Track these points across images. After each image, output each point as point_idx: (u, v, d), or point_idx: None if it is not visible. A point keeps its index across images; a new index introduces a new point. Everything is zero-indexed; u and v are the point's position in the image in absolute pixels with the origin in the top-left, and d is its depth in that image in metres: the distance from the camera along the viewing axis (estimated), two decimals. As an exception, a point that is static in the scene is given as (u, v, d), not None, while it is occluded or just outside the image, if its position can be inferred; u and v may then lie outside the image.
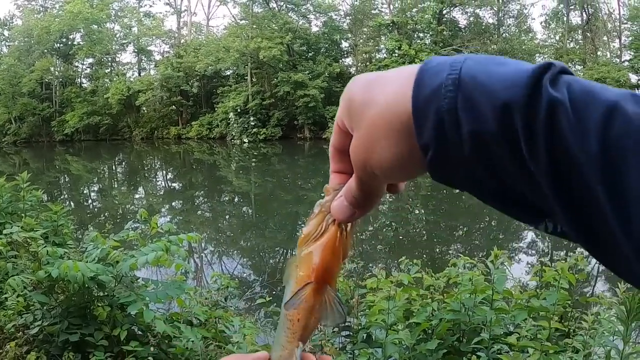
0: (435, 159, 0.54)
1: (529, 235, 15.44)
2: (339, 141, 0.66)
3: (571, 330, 4.28)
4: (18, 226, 5.65)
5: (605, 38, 44.99)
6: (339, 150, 0.68)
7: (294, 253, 0.74)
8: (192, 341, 4.22)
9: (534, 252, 13.28)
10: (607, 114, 0.47)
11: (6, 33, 59.97)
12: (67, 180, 33.56)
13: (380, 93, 0.58)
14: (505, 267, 4.16)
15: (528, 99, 0.49)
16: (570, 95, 0.49)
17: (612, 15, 44.71)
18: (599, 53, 44.57)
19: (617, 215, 0.46)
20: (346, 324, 4.44)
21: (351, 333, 4.27)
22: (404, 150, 0.57)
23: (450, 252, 13.46)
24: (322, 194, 0.72)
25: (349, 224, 0.71)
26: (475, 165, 0.53)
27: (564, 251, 12.84)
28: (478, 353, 3.61)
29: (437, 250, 14.14)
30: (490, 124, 0.50)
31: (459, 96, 0.52)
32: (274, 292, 5.92)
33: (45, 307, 4.61)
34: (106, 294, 4.49)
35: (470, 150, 0.52)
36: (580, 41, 45.84)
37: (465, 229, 16.33)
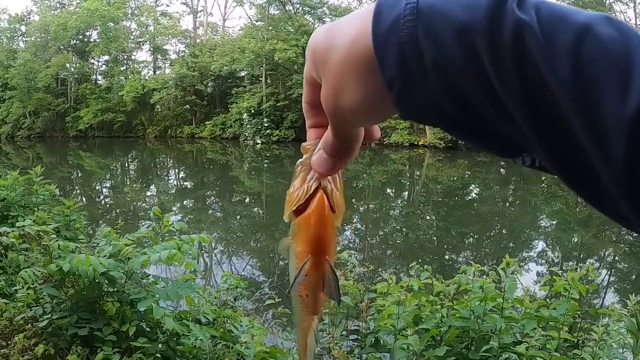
0: (402, 94, 0.52)
1: (540, 244, 15.40)
2: (310, 95, 0.65)
3: (580, 342, 4.25)
4: (30, 219, 5.69)
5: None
6: (312, 105, 0.67)
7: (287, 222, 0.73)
8: (201, 340, 4.22)
9: (543, 261, 13.21)
10: (578, 37, 0.44)
11: (23, 28, 60.54)
12: (79, 175, 33.76)
13: (340, 35, 0.56)
14: (515, 276, 4.14)
15: (490, 20, 0.46)
16: (538, 18, 0.46)
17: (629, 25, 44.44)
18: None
19: (594, 146, 0.43)
20: (354, 327, 4.44)
21: (359, 337, 4.27)
22: (370, 89, 0.55)
23: (460, 259, 13.41)
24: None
25: (335, 182, 0.70)
26: (443, 97, 0.50)
27: (574, 261, 12.79)
28: (486, 361, 3.59)
29: (447, 257, 14.09)
30: (452, 51, 0.48)
31: (418, 25, 0.49)
32: (283, 294, 5.92)
33: (55, 301, 4.64)
34: (116, 289, 4.51)
35: (436, 81, 0.49)
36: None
37: (475, 237, 16.28)
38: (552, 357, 3.39)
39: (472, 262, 4.41)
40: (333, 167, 0.67)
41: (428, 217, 19.19)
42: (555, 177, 0.50)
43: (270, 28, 46.88)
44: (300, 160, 0.71)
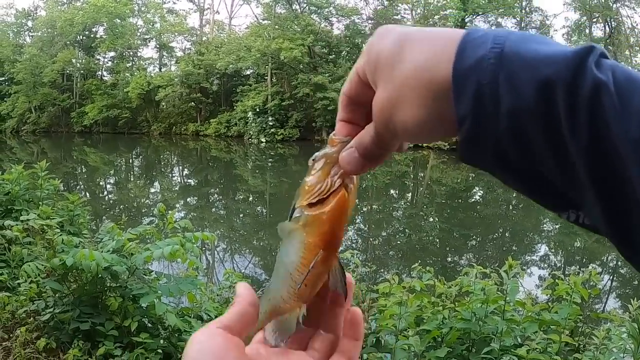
0: (471, 132, 0.53)
1: (542, 248, 15.37)
2: (355, 91, 0.66)
3: (581, 346, 4.25)
4: (35, 213, 5.71)
5: (627, 52, 44.57)
6: (353, 100, 0.67)
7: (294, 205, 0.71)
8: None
9: (546, 265, 13.19)
10: None
11: (29, 23, 60.65)
12: (84, 171, 33.85)
13: (414, 51, 0.57)
14: (518, 279, 4.14)
15: (572, 76, 0.48)
16: (614, 79, 0.48)
17: (635, 30, 44.36)
18: (621, 67, 44.16)
19: None
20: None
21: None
22: (432, 114, 0.56)
23: (462, 261, 13.39)
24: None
25: (353, 180, 0.69)
26: (509, 143, 0.52)
27: (577, 265, 12.76)
28: (487, 363, 3.59)
29: (450, 258, 14.08)
30: (530, 100, 0.49)
31: (501, 70, 0.51)
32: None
33: (57, 295, 4.65)
34: (119, 284, 4.52)
35: (507, 125, 0.51)
36: (602, 55, 45.42)
37: (478, 239, 16.26)
38: (553, 360, 3.39)
39: (474, 264, 4.41)
40: (362, 168, 0.67)
41: (431, 219, 19.18)
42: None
43: (276, 27, 46.88)
44: (323, 151, 0.71)
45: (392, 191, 26.50)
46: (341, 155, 0.68)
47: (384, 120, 0.60)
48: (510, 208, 22.17)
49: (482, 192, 25.94)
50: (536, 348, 3.59)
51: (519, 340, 3.85)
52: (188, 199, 23.63)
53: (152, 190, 27.15)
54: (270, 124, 45.12)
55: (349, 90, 0.66)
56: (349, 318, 0.73)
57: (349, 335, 0.72)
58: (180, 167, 38.13)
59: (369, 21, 50.72)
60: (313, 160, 0.72)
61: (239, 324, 0.65)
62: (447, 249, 15.22)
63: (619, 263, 13.47)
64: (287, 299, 0.71)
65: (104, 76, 58.27)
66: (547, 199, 0.55)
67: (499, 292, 3.89)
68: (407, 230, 16.37)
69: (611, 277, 12.16)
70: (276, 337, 0.71)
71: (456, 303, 4.23)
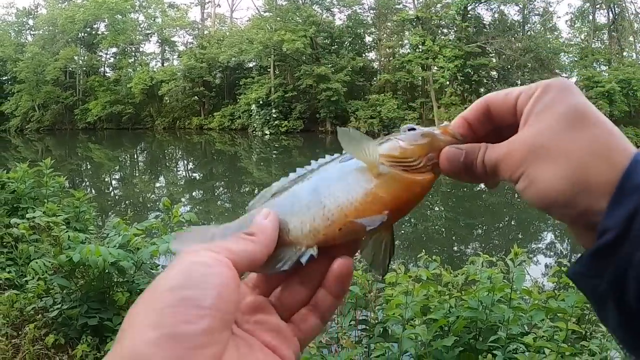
0: (608, 246, 0.52)
1: (548, 236, 15.34)
2: (499, 108, 0.64)
3: (588, 333, 4.24)
4: (41, 211, 5.72)
5: (631, 38, 44.27)
6: (490, 113, 0.65)
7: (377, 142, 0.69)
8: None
9: (552, 253, 13.18)
10: None
11: (31, 22, 60.61)
12: (89, 167, 33.90)
13: (589, 130, 0.56)
14: (524, 267, 4.13)
15: None
16: None
17: (639, 16, 44.06)
18: (624, 53, 43.90)
19: None
20: (363, 317, 4.45)
21: (368, 327, 4.27)
22: (573, 202, 0.55)
23: (468, 250, 13.40)
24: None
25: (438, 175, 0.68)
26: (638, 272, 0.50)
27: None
28: (494, 352, 3.59)
29: (456, 247, 14.08)
30: None
31: None
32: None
33: (65, 291, 4.67)
34: (126, 279, 4.54)
35: None
36: (605, 41, 45.15)
37: (484, 228, 16.25)
38: (560, 348, 3.38)
39: (480, 252, 4.40)
40: (456, 175, 0.66)
41: (437, 208, 19.15)
42: None
43: (278, 19, 46.78)
44: (431, 130, 0.69)
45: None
46: (447, 149, 0.67)
47: (513, 170, 0.60)
48: (516, 196, 22.10)
49: (487, 180, 25.83)
50: (543, 336, 3.59)
51: (526, 328, 3.85)
52: (193, 193, 23.66)
53: (157, 184, 27.17)
54: (274, 116, 45.10)
55: (493, 104, 0.65)
56: (337, 270, 0.67)
57: (331, 290, 0.68)
58: (185, 161, 38.15)
59: (371, 11, 50.58)
60: (412, 129, 0.70)
61: (245, 263, 0.60)
62: (453, 238, 15.22)
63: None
64: (305, 231, 0.67)
65: (106, 72, 58.29)
66: None
67: (505, 281, 3.88)
68: (412, 219, 16.33)
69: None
70: (267, 267, 0.66)
71: (462, 292, 4.23)
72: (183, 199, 20.46)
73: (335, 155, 0.74)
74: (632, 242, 0.50)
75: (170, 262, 0.59)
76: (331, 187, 0.67)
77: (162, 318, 0.50)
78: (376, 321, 4.19)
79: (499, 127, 0.66)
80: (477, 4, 44.15)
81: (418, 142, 0.68)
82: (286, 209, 0.69)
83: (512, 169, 0.60)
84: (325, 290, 0.68)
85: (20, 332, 4.63)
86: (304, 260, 0.66)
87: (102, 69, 58.51)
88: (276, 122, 44.91)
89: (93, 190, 22.64)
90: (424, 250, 4.54)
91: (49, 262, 4.74)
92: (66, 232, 4.81)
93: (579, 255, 0.57)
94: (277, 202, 0.71)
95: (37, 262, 4.63)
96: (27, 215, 5.62)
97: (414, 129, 0.70)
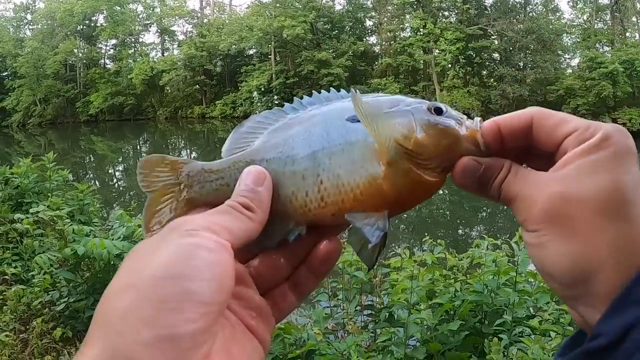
0: (596, 350, 0.51)
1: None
2: (542, 139, 0.59)
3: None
4: (45, 205, 5.73)
5: (634, 19, 43.87)
6: (529, 136, 0.60)
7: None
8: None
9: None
10: None
11: (29, 17, 60.42)
12: (92, 160, 33.95)
13: (615, 225, 0.52)
14: (529, 248, 4.12)
15: None
16: None
17: (643, -5, 43.69)
18: (627, 34, 43.52)
19: None
20: (368, 302, 4.45)
21: (374, 312, 4.28)
22: (574, 288, 0.55)
23: (473, 233, 13.39)
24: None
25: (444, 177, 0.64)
26: None
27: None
28: (500, 335, 3.59)
29: (460, 231, 14.08)
30: None
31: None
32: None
33: (71, 284, 4.69)
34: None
35: None
36: (608, 21, 44.77)
37: (489, 211, 16.21)
38: (566, 331, 3.38)
39: (485, 236, 4.40)
40: (468, 187, 0.64)
41: (441, 191, 19.07)
42: None
43: (277, 5, 46.51)
44: (453, 125, 0.63)
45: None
46: (465, 160, 0.62)
47: (530, 218, 0.57)
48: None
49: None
50: (548, 319, 3.59)
51: (531, 311, 3.85)
52: (197, 183, 23.65)
53: (161, 175, 27.16)
54: (276, 102, 44.94)
55: (539, 126, 0.60)
56: (324, 252, 0.65)
57: (315, 270, 0.66)
58: (188, 150, 38.17)
59: (371, -5, 50.26)
60: (439, 110, 0.64)
61: (241, 243, 0.58)
62: (458, 221, 15.22)
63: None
64: (296, 206, 0.64)
65: (106, 64, 58.20)
66: None
67: (510, 264, 3.87)
68: (417, 204, 16.32)
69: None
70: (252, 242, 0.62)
71: (468, 275, 4.23)
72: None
73: (344, 93, 0.70)
74: (622, 354, 0.49)
75: (163, 231, 0.55)
76: (333, 158, 0.63)
77: (160, 315, 0.47)
78: (382, 306, 4.20)
79: (533, 147, 0.62)
80: (477, -15, 43.85)
81: (438, 141, 0.62)
82: (279, 168, 0.65)
83: (527, 217, 0.58)
84: (308, 269, 0.66)
85: (27, 327, 4.65)
86: (291, 238, 0.65)
87: (102, 60, 58.43)
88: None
89: (97, 183, 22.68)
90: (426, 234, 4.54)
91: (54, 255, 4.75)
92: (70, 225, 4.82)
93: (570, 337, 0.57)
94: (270, 154, 0.66)
95: (42, 257, 4.64)
96: (31, 210, 5.63)
97: (440, 110, 0.64)
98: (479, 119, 0.64)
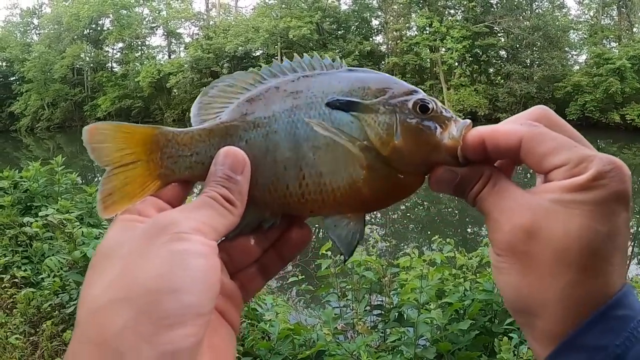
0: None
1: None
2: (529, 163, 0.57)
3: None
4: (54, 208, 5.75)
5: (640, 14, 43.71)
6: (517, 157, 0.58)
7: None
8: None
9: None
10: None
11: (36, 21, 60.73)
12: (100, 163, 34.03)
13: (571, 274, 0.51)
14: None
15: None
16: None
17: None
18: (634, 29, 43.27)
19: None
20: (378, 302, 4.44)
21: (383, 312, 4.28)
22: (522, 322, 0.56)
23: (482, 232, 13.34)
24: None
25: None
26: None
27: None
28: (510, 334, 3.57)
29: (469, 230, 14.03)
30: None
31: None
32: (306, 271, 5.95)
33: (80, 287, 4.70)
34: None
35: None
36: (615, 17, 44.54)
37: (497, 208, 16.16)
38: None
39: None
40: (441, 192, 0.63)
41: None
42: None
43: (283, 6, 46.59)
44: (434, 129, 0.61)
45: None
46: (441, 171, 0.61)
47: (497, 242, 0.56)
48: (529, 177, 21.99)
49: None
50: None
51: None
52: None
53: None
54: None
55: (528, 152, 0.56)
56: (295, 239, 0.66)
57: (283, 255, 0.66)
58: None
59: (377, -6, 50.20)
60: (424, 107, 0.62)
61: (223, 236, 0.58)
62: (467, 220, 15.16)
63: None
64: (274, 197, 0.62)
65: (113, 68, 58.34)
66: None
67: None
68: (425, 202, 16.31)
69: (632, 242, 12.05)
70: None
71: (477, 274, 4.22)
72: (195, 190, 20.49)
73: (337, 66, 0.69)
74: None
75: (150, 233, 0.53)
76: (317, 154, 0.61)
77: (160, 331, 0.46)
78: (391, 306, 4.19)
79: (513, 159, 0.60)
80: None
81: (416, 148, 0.61)
82: (259, 154, 0.63)
83: (493, 239, 0.57)
84: (276, 253, 0.66)
85: (37, 329, 4.66)
86: (265, 226, 0.64)
87: (110, 64, 58.60)
88: (285, 109, 44.87)
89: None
90: (438, 234, 4.53)
91: (64, 258, 4.77)
92: (80, 228, 4.83)
93: None
94: (250, 133, 0.64)
95: (52, 259, 4.66)
96: (40, 213, 5.65)
97: (426, 108, 0.62)
98: (465, 124, 0.61)
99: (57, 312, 4.80)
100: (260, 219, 0.64)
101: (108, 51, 58.54)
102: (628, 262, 10.06)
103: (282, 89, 0.66)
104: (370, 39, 49.70)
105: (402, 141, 0.61)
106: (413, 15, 46.20)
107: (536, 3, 44.63)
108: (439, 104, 0.63)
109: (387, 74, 0.67)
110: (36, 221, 5.51)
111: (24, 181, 7.12)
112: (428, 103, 0.62)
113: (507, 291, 0.55)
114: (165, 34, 57.84)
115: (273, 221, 0.64)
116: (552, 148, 0.54)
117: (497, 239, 0.55)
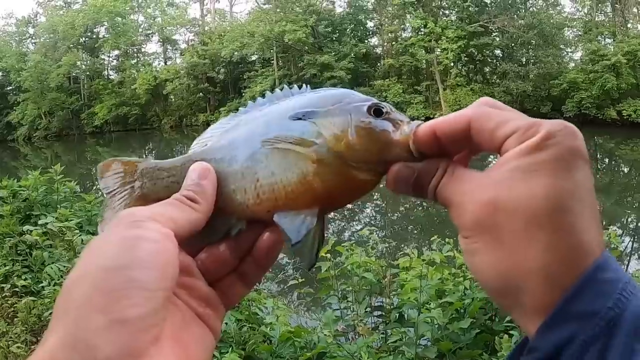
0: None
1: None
2: (481, 144, 0.56)
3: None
4: (53, 217, 5.76)
5: (635, 10, 43.67)
6: (469, 140, 0.57)
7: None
8: (226, 323, 4.26)
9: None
10: None
11: (31, 31, 60.59)
12: (99, 171, 33.99)
13: (548, 235, 0.50)
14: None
15: None
16: None
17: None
18: (629, 25, 43.31)
19: None
20: (378, 303, 4.45)
21: (384, 313, 4.28)
22: (504, 302, 0.54)
23: (481, 230, 13.33)
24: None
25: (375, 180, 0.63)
26: None
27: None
28: (511, 332, 3.58)
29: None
30: None
31: (607, 338, 0.47)
32: (306, 274, 5.96)
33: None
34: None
35: None
36: (609, 13, 44.60)
37: (496, 207, 16.17)
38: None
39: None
40: (400, 193, 0.62)
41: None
42: None
43: (278, 10, 46.57)
44: (386, 129, 0.63)
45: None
46: (397, 167, 0.61)
47: (463, 224, 0.55)
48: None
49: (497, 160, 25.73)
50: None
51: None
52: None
53: (168, 184, 27.22)
54: (279, 107, 45.00)
55: (478, 130, 0.56)
56: (265, 244, 0.66)
57: (259, 262, 0.67)
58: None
59: (371, -3, 50.24)
60: (378, 110, 0.63)
61: (186, 234, 0.60)
62: (466, 219, 15.16)
63: (640, 224, 13.38)
64: (236, 202, 0.65)
65: (110, 75, 58.30)
66: None
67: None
68: (424, 203, 16.31)
69: (632, 238, 12.04)
70: (196, 236, 0.63)
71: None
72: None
73: (293, 91, 0.74)
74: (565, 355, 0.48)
75: (112, 224, 0.58)
76: (269, 157, 0.64)
77: (110, 302, 0.50)
78: (392, 307, 4.20)
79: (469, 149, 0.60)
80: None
81: (369, 145, 0.62)
82: (223, 167, 0.68)
83: (460, 224, 0.56)
84: (254, 260, 0.67)
85: (39, 338, 4.66)
86: (233, 232, 0.67)
87: (106, 72, 58.55)
88: (282, 113, 44.85)
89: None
90: (437, 234, 4.54)
91: (64, 266, 4.77)
92: (79, 235, 4.84)
93: (517, 345, 0.55)
94: (217, 154, 0.69)
95: (52, 267, 4.67)
96: (40, 222, 5.66)
97: (380, 112, 0.64)
98: (417, 123, 0.62)
99: (58, 320, 4.79)
100: (228, 225, 0.67)
101: (104, 59, 58.53)
102: (628, 260, 10.08)
103: (249, 117, 0.73)
104: (366, 41, 49.71)
105: (356, 138, 0.62)
106: (408, 16, 46.20)
107: (530, 1, 44.70)
108: (394, 109, 0.65)
109: (347, 89, 0.70)
110: (36, 230, 5.51)
111: (23, 190, 7.13)
112: (382, 107, 0.64)
113: (485, 273, 0.53)
114: (161, 40, 57.83)
115: (240, 227, 0.67)
116: (500, 121, 0.54)
117: (463, 221, 0.54)
